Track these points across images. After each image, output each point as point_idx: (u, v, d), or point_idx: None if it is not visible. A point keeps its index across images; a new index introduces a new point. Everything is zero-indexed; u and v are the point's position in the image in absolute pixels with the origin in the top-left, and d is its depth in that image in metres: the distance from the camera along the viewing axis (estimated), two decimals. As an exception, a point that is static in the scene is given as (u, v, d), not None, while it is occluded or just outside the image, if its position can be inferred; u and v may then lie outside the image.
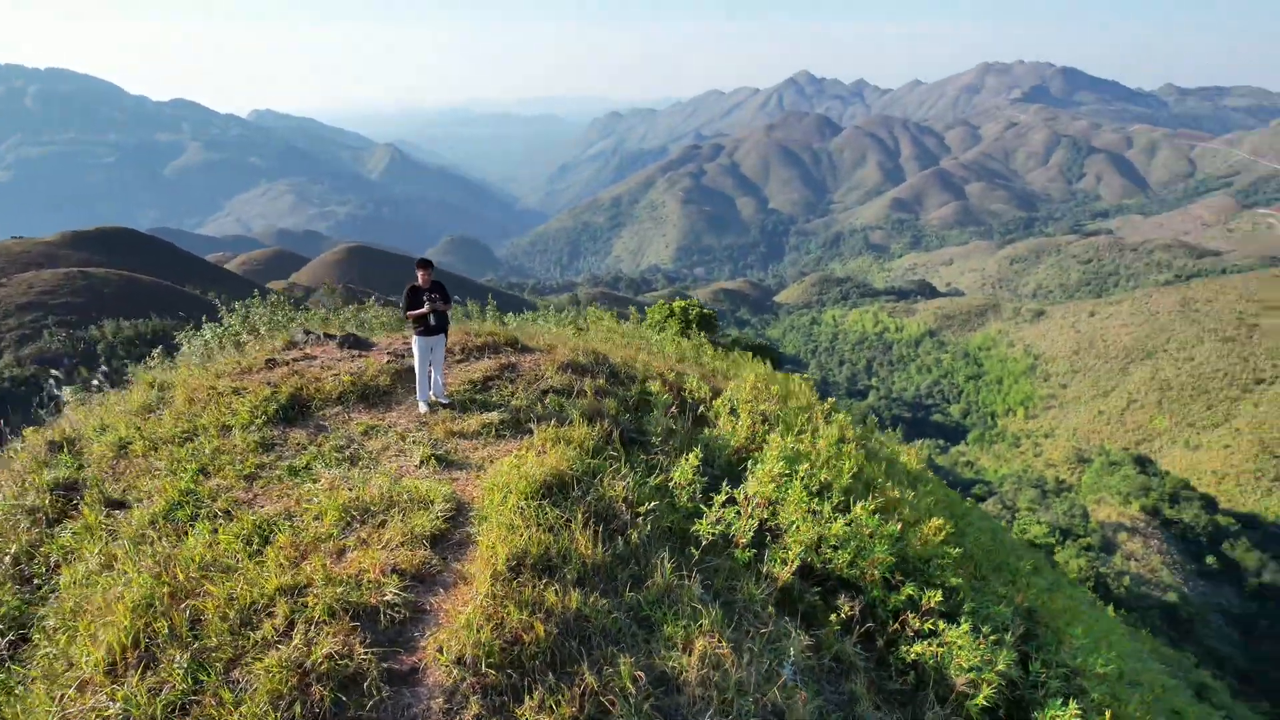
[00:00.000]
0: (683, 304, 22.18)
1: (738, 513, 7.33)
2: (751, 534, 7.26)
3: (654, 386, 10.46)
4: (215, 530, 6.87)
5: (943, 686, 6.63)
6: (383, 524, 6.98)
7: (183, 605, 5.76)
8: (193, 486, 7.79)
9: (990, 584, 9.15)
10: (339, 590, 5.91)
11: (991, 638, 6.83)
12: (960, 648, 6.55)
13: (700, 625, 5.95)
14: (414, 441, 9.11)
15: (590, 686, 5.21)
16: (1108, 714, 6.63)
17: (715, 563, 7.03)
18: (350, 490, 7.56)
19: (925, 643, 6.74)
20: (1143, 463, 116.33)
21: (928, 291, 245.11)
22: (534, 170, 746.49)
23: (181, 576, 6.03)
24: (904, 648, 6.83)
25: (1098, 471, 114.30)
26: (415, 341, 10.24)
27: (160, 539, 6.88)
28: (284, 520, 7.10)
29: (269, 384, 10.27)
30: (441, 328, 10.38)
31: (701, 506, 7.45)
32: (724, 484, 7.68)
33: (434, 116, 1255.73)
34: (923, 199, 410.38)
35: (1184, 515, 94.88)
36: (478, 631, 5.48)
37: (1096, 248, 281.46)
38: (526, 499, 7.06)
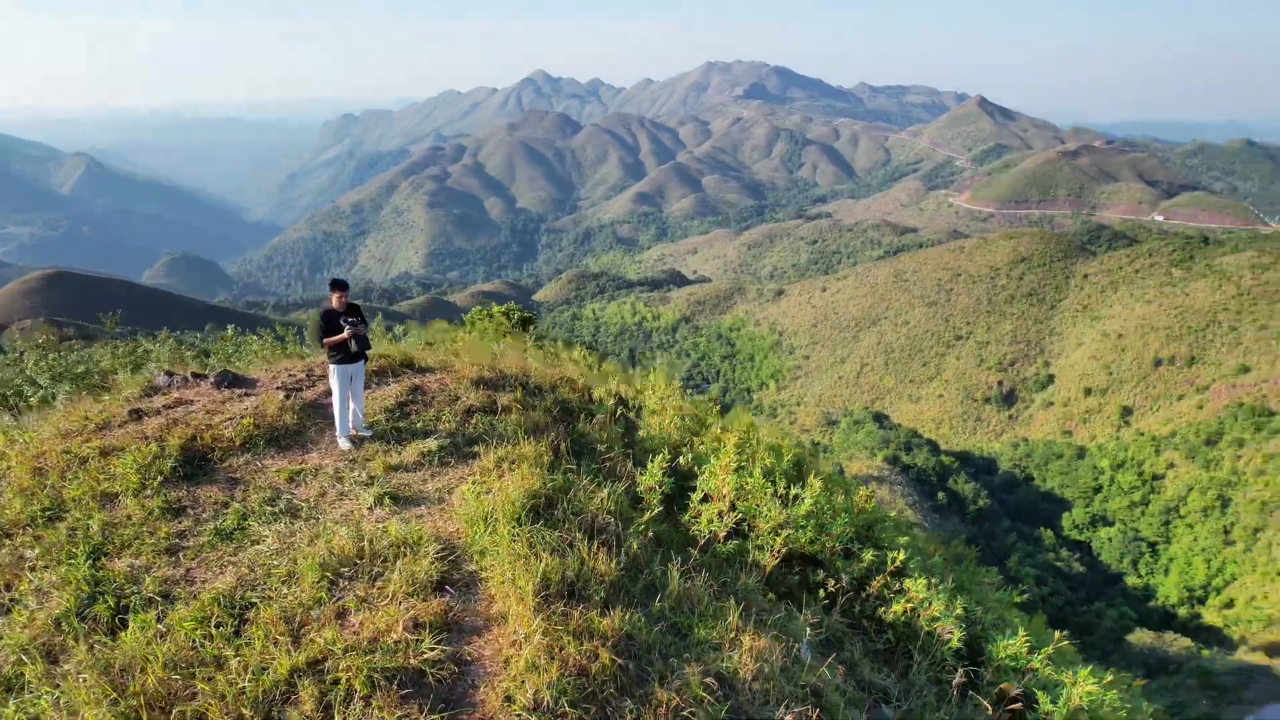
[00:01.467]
0: (502, 309, 21.00)
1: (718, 510, 7.43)
2: (731, 526, 7.41)
3: (565, 393, 10.25)
4: (161, 618, 5.86)
5: (913, 638, 6.97)
6: (375, 577, 6.31)
7: (171, 720, 4.72)
8: (97, 573, 6.44)
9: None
10: (369, 658, 5.26)
11: (939, 587, 7.22)
12: (925, 601, 6.94)
13: (727, 623, 6.02)
14: (356, 482, 8.20)
15: (669, 702, 5.14)
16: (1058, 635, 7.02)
17: (703, 559, 7.18)
18: (314, 545, 6.73)
19: (902, 601, 7.04)
20: (880, 419, 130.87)
21: (678, 280, 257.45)
22: (263, 179, 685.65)
23: (153, 684, 5.03)
24: (881, 610, 7.15)
25: (845, 431, 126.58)
26: (333, 371, 9.18)
27: (84, 644, 5.62)
28: (247, 592, 6.16)
29: (147, 438, 8.56)
30: (362, 354, 9.42)
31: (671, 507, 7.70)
32: (669, 481, 7.80)
33: (137, 122, 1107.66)
34: (664, 192, 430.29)
35: (917, 461, 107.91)
36: (544, 672, 5.17)
37: (820, 230, 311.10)
38: (515, 525, 6.69)
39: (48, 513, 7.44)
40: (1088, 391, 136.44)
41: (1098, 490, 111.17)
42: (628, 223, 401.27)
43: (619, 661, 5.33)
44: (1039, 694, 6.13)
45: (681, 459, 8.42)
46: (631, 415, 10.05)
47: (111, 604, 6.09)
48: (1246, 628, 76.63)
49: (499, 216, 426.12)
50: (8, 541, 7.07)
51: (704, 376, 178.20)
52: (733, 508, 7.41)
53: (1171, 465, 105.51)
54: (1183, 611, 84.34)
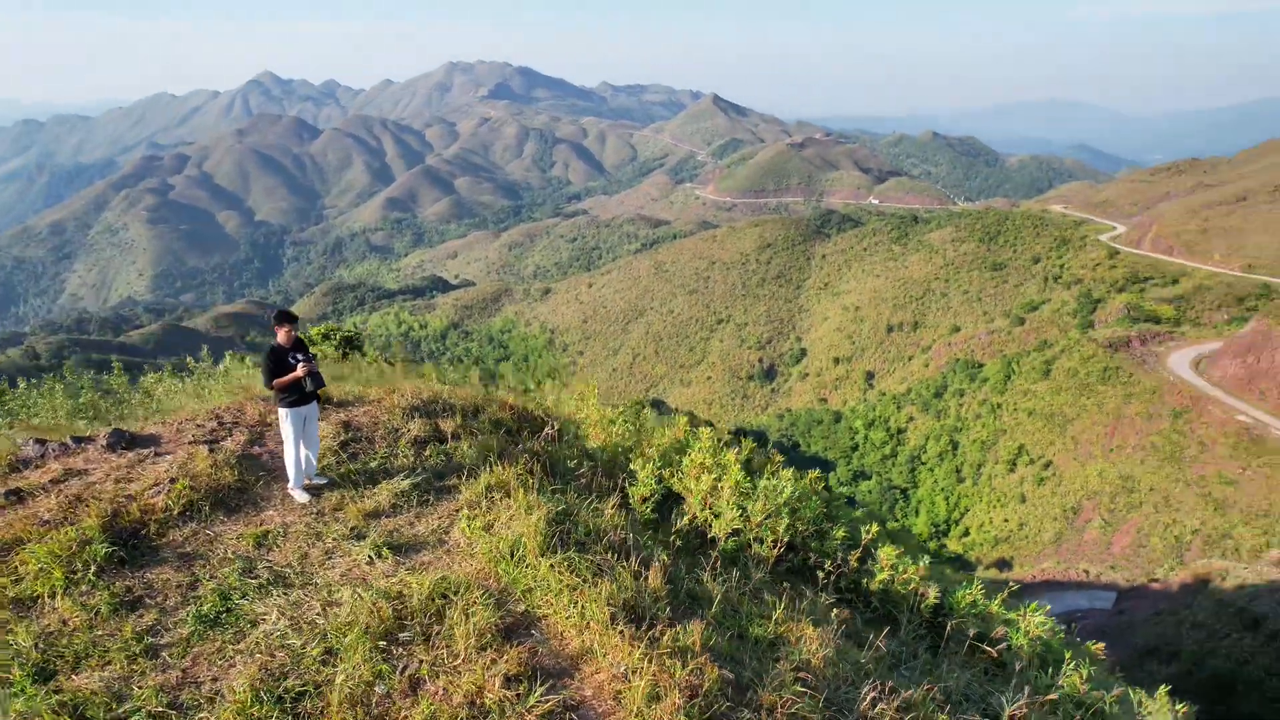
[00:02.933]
0: (320, 329, 18.30)
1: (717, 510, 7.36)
2: (732, 524, 7.31)
3: (496, 413, 9.72)
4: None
5: (891, 601, 7.27)
6: (429, 636, 5.59)
7: None
8: (58, 698, 4.99)
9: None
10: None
11: (900, 551, 7.55)
12: (898, 567, 7.30)
13: (774, 619, 5.99)
14: (340, 536, 7.26)
15: (777, 703, 5.08)
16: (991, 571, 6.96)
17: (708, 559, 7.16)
18: (335, 615, 5.84)
19: (884, 571, 7.32)
20: (658, 405, 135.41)
21: (441, 286, 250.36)
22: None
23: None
24: (865, 581, 7.44)
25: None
26: (285, 415, 8.14)
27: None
28: (283, 682, 5.09)
29: (49, 522, 6.89)
30: (315, 394, 8.41)
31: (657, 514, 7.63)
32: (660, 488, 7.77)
33: None
34: (416, 196, 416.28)
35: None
36: (666, 698, 4.90)
37: (578, 227, 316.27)
38: (542, 555, 6.23)
39: None
40: (836, 361, 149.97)
41: (855, 449, 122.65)
42: (381, 230, 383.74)
43: (726, 674, 5.25)
44: (1012, 632, 6.66)
45: (667, 469, 8.05)
46: (567, 428, 9.45)
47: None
48: (980, 550, 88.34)
49: (235, 231, 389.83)
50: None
51: (480, 380, 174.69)
52: (740, 507, 7.31)
53: (911, 419, 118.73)
54: (932, 545, 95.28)
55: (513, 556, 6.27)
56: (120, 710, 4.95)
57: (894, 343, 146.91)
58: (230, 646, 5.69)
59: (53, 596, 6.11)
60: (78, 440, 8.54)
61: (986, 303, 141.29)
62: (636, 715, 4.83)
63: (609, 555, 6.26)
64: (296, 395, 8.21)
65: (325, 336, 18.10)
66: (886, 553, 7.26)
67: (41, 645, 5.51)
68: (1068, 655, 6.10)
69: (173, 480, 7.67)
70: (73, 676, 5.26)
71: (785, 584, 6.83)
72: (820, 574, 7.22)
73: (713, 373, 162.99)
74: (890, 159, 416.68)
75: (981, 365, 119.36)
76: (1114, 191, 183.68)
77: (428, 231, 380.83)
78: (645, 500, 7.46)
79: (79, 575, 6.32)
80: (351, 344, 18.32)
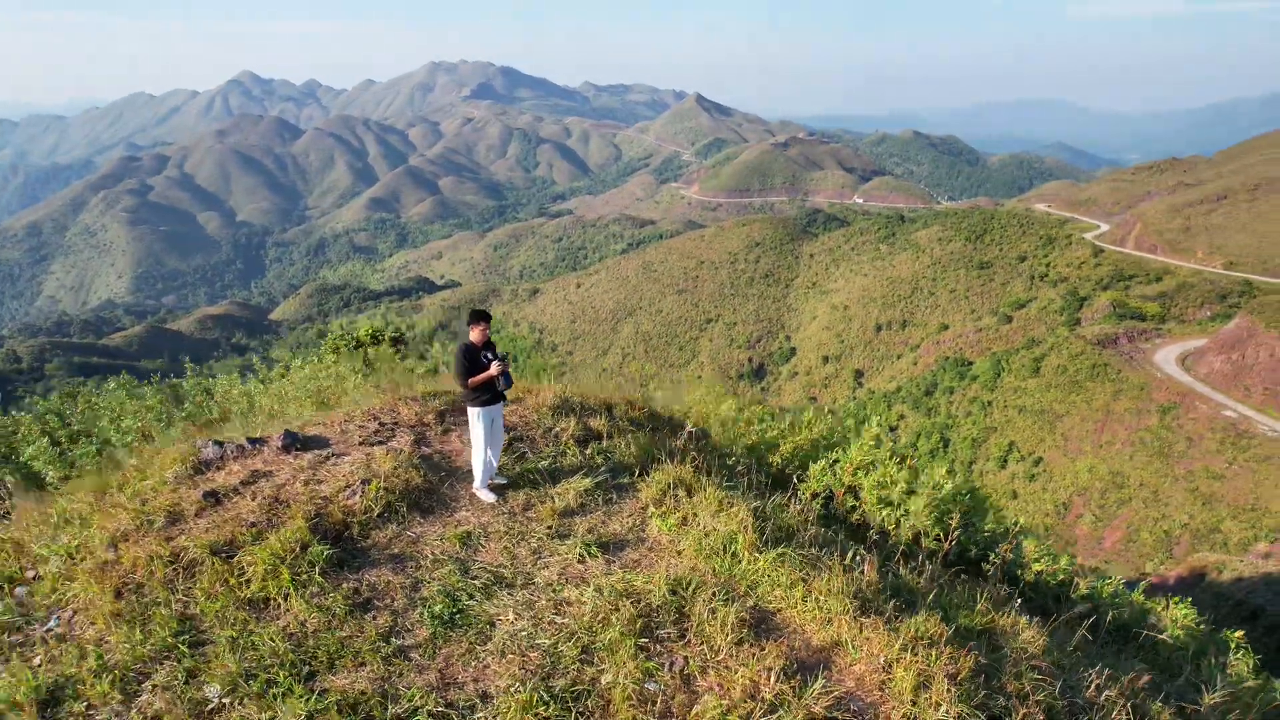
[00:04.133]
0: (368, 328, 18.31)
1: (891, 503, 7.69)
2: (912, 519, 7.58)
3: (633, 413, 9.88)
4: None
5: (1040, 592, 7.58)
6: (682, 634, 5.60)
7: None
8: (335, 698, 5.01)
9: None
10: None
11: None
12: (1050, 559, 7.75)
13: (977, 609, 6.05)
14: (543, 536, 7.31)
15: (1027, 690, 5.22)
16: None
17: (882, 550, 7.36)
18: (584, 613, 5.82)
19: (1039, 563, 7.66)
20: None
21: (428, 287, 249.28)
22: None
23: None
24: (1020, 572, 7.73)
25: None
26: (477, 415, 8.07)
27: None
28: (550, 682, 5.12)
29: (254, 524, 6.85)
30: (503, 394, 8.44)
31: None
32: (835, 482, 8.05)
33: None
34: (400, 197, 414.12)
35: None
36: (937, 688, 4.97)
37: (564, 227, 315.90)
38: (754, 551, 6.31)
39: (180, 637, 5.69)
40: (825, 359, 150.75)
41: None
42: (364, 230, 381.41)
43: (983, 661, 5.32)
44: (1169, 624, 7.04)
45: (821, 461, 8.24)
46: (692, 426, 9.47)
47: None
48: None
49: (217, 231, 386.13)
50: (140, 688, 5.21)
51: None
52: (909, 495, 7.56)
53: (902, 417, 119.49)
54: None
55: (724, 553, 6.33)
56: (396, 710, 5.03)
57: (883, 341, 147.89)
58: (478, 647, 5.72)
59: (285, 598, 6.11)
60: (252, 442, 8.50)
61: (974, 301, 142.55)
62: (913, 705, 4.86)
63: (811, 550, 6.33)
64: (489, 395, 8.18)
65: (374, 337, 18.12)
66: (1031, 544, 7.41)
67: (292, 646, 5.59)
68: (1233, 645, 6.34)
69: (364, 482, 7.63)
70: (330, 677, 5.32)
71: (963, 576, 7.00)
72: (986, 565, 7.32)
73: (702, 372, 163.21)
74: (873, 158, 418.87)
75: (971, 363, 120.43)
76: (1096, 190, 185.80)
77: (412, 232, 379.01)
78: (815, 496, 7.62)
79: (304, 577, 6.34)
80: (400, 342, 18.37)
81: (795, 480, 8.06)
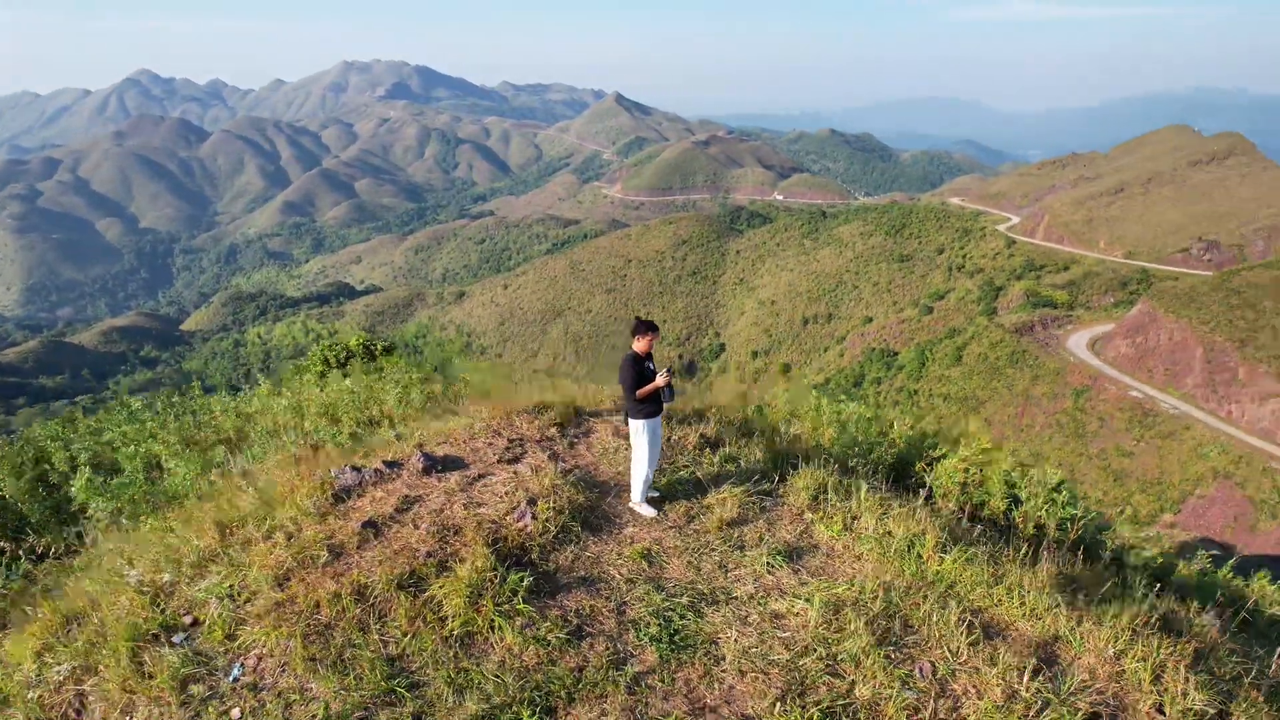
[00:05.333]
0: (359, 339, 17.67)
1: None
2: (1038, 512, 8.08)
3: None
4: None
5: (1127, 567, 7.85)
6: (916, 641, 5.64)
7: None
8: None
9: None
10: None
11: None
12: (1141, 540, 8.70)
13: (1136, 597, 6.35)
14: (725, 547, 7.21)
15: (1223, 671, 5.51)
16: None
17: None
18: (809, 625, 5.83)
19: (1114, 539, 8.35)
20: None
21: (348, 292, 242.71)
22: None
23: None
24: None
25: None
26: (644, 426, 7.83)
27: None
28: (808, 696, 5.13)
29: (431, 555, 6.49)
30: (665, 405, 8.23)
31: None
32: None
33: None
34: (315, 200, 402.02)
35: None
36: (1165, 675, 5.24)
37: (486, 228, 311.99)
38: (938, 552, 6.52)
39: (393, 680, 5.37)
40: (754, 354, 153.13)
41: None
42: (279, 235, 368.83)
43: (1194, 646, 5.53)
44: (1261, 601, 7.90)
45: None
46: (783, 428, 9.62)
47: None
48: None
49: (118, 239, 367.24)
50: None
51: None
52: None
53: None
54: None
55: (909, 554, 6.41)
56: None
57: (810, 334, 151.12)
58: (714, 668, 5.55)
59: (491, 631, 5.85)
60: (389, 465, 8.16)
61: (896, 293, 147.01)
62: (1151, 693, 5.03)
63: (981, 546, 6.49)
64: (654, 406, 7.95)
65: (366, 348, 17.63)
66: (1127, 529, 7.90)
67: (518, 681, 5.38)
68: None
69: (531, 502, 7.40)
70: (573, 710, 5.17)
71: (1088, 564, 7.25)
72: (1103, 552, 7.70)
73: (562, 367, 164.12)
74: (791, 155, 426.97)
75: (896, 353, 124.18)
76: (1005, 185, 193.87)
77: (329, 236, 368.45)
78: (945, 495, 7.92)
79: (506, 607, 6.06)
80: (389, 352, 17.94)
81: (919, 478, 8.32)
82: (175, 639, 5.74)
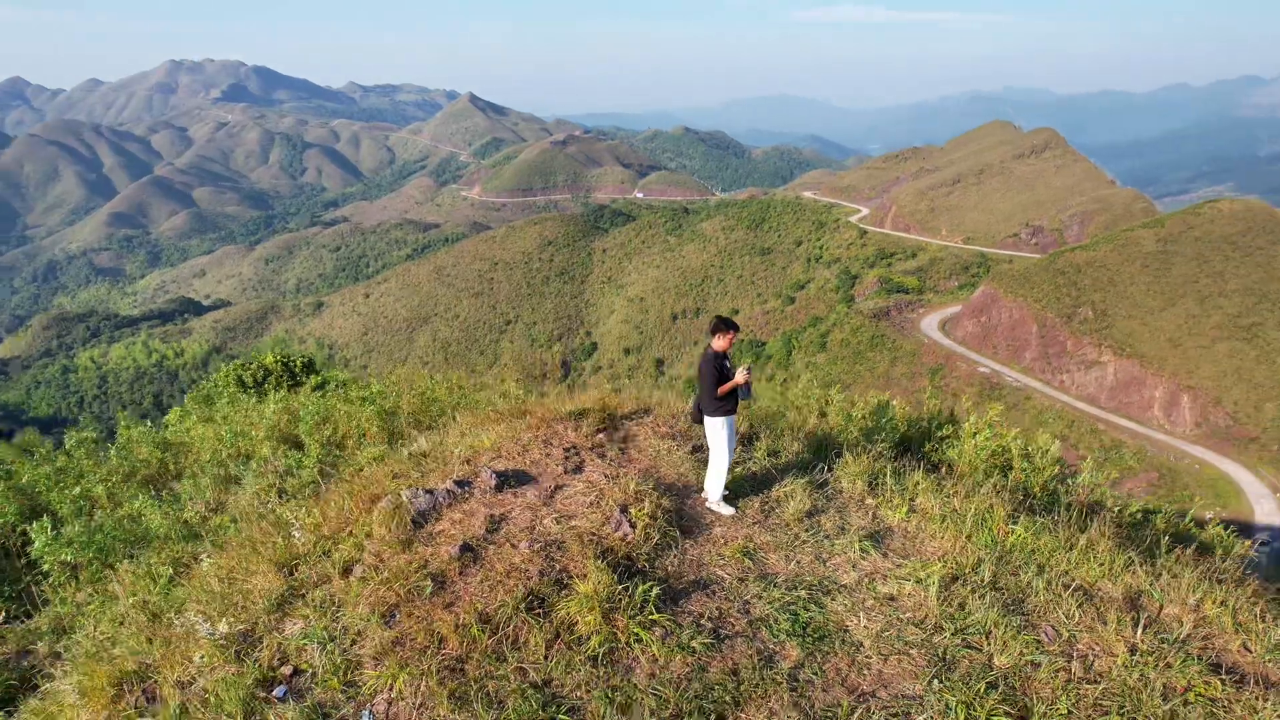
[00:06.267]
0: (276, 356, 16.12)
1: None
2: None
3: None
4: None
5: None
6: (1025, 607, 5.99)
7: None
8: None
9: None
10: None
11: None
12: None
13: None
14: (819, 537, 7.33)
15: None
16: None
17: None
18: (928, 606, 5.99)
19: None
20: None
21: (194, 308, 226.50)
22: None
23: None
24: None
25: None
26: (722, 424, 7.80)
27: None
28: (959, 674, 5.26)
29: (544, 574, 6.34)
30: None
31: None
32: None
33: None
34: (148, 211, 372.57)
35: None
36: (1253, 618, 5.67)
37: (341, 235, 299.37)
38: (1007, 524, 6.97)
39: (549, 709, 5.19)
40: (627, 351, 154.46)
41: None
42: (107, 250, 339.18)
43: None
44: None
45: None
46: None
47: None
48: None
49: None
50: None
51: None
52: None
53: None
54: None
55: (982, 529, 6.67)
56: None
57: (679, 329, 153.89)
58: (857, 656, 5.59)
59: (629, 645, 5.66)
60: (459, 484, 7.74)
61: (759, 285, 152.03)
62: (1237, 634, 5.42)
63: (1038, 516, 6.90)
64: (731, 404, 7.91)
65: (285, 365, 16.42)
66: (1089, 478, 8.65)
67: (677, 693, 5.21)
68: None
69: (623, 510, 7.20)
70: (745, 713, 5.09)
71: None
72: (1108, 513, 8.13)
73: (506, 374, 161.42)
74: (648, 154, 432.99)
75: (764, 344, 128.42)
76: (854, 178, 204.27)
77: (166, 249, 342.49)
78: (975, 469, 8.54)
79: (640, 619, 5.87)
80: (312, 369, 16.81)
81: (928, 455, 8.68)
82: (277, 693, 5.20)
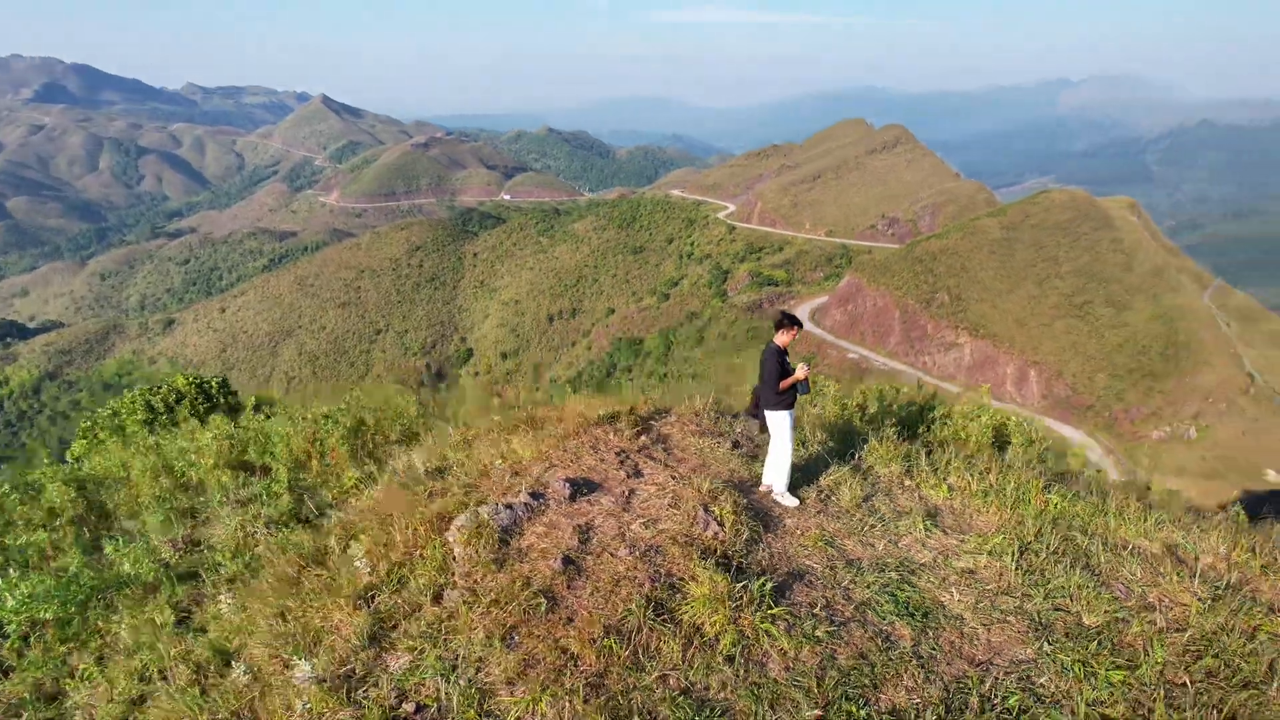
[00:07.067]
0: (188, 378, 14.36)
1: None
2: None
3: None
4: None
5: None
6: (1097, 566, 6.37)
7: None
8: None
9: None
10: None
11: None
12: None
13: None
14: (886, 519, 7.60)
15: None
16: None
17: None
18: (1016, 573, 6.30)
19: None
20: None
21: (17, 331, 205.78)
22: None
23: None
24: None
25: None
26: (785, 419, 8.01)
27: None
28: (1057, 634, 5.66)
29: (654, 579, 6.25)
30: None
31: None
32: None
33: None
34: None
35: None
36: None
37: (189, 247, 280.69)
38: (1042, 494, 7.36)
39: (701, 713, 5.10)
40: (504, 355, 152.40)
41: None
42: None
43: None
44: None
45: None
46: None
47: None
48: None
49: None
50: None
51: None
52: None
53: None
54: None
55: (1021, 500, 7.18)
56: (993, 697, 5.21)
57: (556, 331, 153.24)
58: (963, 627, 5.84)
59: (758, 640, 5.70)
60: (535, 496, 7.55)
61: (634, 283, 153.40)
62: (1265, 575, 5.97)
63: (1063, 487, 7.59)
64: (791, 398, 8.07)
65: (199, 388, 15.02)
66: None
67: (817, 682, 5.30)
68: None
69: (706, 510, 7.18)
70: (885, 693, 5.25)
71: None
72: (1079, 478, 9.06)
73: (378, 385, 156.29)
74: (513, 155, 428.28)
75: (642, 340, 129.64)
76: (719, 176, 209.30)
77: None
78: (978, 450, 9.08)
79: (761, 614, 5.91)
80: (228, 390, 15.47)
81: (923, 436, 8.85)
82: None
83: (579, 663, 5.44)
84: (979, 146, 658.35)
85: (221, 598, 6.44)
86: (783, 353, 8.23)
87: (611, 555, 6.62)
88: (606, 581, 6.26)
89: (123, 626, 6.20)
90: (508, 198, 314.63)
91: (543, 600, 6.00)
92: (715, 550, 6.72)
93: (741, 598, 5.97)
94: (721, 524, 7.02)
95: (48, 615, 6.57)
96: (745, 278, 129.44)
